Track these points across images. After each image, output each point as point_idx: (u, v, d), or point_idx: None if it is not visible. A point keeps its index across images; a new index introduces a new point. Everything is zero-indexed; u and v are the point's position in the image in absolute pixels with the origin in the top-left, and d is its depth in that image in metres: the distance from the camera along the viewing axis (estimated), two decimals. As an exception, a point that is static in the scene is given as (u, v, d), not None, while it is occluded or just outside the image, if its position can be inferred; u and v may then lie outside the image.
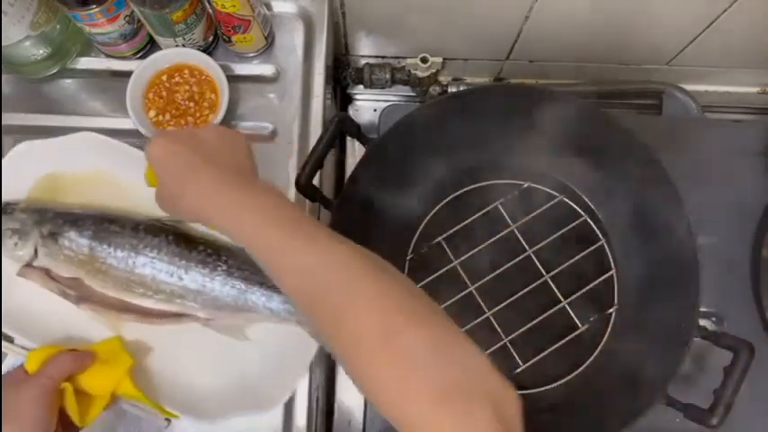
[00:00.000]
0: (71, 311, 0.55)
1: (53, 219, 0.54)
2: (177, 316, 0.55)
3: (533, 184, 0.69)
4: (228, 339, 0.56)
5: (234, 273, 0.54)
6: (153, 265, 0.53)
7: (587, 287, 0.66)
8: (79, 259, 0.53)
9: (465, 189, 0.69)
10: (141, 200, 0.55)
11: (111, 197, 0.57)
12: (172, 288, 0.54)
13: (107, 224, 0.54)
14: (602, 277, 0.66)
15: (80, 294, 0.54)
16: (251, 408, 0.53)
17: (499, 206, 0.68)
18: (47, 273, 0.54)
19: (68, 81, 0.67)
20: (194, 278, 0.53)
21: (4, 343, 0.58)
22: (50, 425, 0.48)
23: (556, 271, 0.66)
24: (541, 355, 0.64)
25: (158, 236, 0.54)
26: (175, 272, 0.53)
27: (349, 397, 0.72)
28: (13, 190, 0.56)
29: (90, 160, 0.58)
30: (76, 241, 0.53)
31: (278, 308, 0.54)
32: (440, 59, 0.80)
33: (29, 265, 0.54)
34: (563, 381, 0.64)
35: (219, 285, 0.54)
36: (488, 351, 0.64)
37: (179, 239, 0.55)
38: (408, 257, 0.68)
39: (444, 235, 0.67)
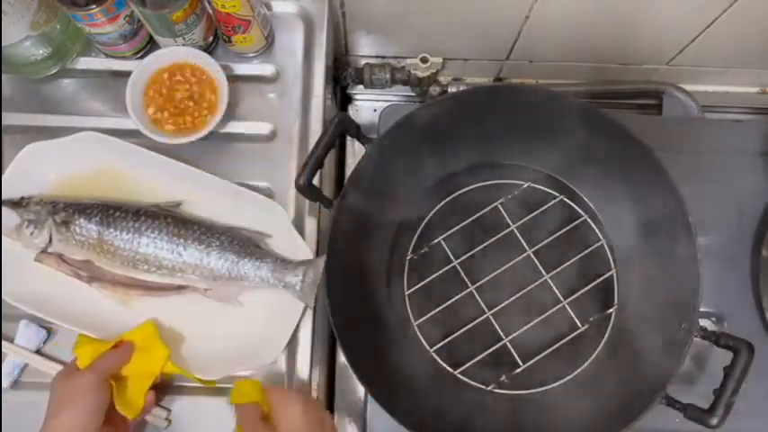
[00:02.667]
0: (84, 290, 0.61)
1: (64, 209, 0.59)
2: (179, 288, 0.61)
3: (533, 184, 0.69)
4: (225, 306, 0.61)
5: (227, 247, 0.60)
6: (155, 245, 0.59)
7: (587, 287, 0.66)
8: (89, 243, 0.59)
9: (465, 189, 0.69)
10: (140, 188, 0.63)
11: (114, 188, 0.63)
12: (173, 263, 0.59)
13: (112, 211, 0.60)
14: (603, 277, 0.66)
15: (91, 274, 0.60)
16: (250, 363, 0.59)
17: (499, 206, 0.68)
18: (60, 257, 0.60)
19: (68, 81, 0.67)
20: (192, 254, 0.59)
21: (4, 343, 0.59)
22: (101, 413, 0.51)
23: (556, 271, 0.66)
24: (541, 355, 0.64)
25: (158, 219, 0.60)
26: (175, 249, 0.59)
27: (349, 397, 0.72)
28: (28, 186, 0.61)
29: (94, 156, 0.62)
30: (86, 227, 0.59)
31: (267, 275, 0.60)
32: (440, 59, 0.80)
33: (44, 251, 0.60)
34: (563, 381, 0.64)
35: (215, 259, 0.60)
36: (488, 351, 0.64)
37: (176, 221, 0.60)
38: (408, 257, 0.68)
39: (444, 235, 0.68)
